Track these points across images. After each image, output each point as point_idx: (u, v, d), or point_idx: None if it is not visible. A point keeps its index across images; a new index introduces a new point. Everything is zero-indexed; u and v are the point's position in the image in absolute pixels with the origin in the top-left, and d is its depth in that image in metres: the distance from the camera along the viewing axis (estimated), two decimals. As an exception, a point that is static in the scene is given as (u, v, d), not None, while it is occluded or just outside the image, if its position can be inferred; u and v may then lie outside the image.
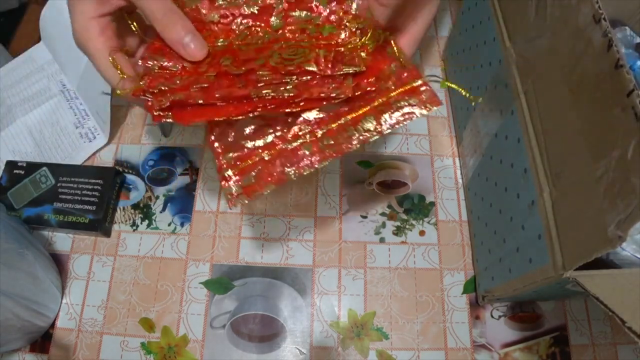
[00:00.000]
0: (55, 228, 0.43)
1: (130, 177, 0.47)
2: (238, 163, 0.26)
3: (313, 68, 0.25)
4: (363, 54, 0.26)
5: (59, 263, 0.42)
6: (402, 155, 0.48)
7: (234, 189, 0.25)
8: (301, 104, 0.25)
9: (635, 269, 0.24)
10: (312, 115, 0.26)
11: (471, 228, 0.43)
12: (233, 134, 0.26)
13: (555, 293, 0.35)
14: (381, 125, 0.25)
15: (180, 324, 0.40)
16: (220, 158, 0.26)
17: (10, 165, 0.45)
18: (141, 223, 0.45)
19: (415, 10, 0.27)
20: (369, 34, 0.27)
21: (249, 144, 0.26)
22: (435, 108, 0.26)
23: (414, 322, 0.40)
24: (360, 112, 0.26)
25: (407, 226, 0.44)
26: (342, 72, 0.25)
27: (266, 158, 0.26)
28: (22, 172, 0.44)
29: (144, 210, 0.45)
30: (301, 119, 0.26)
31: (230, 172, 0.26)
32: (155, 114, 0.25)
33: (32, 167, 0.45)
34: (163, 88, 0.25)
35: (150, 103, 0.25)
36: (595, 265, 0.23)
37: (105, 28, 0.26)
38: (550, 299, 0.41)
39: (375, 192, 0.46)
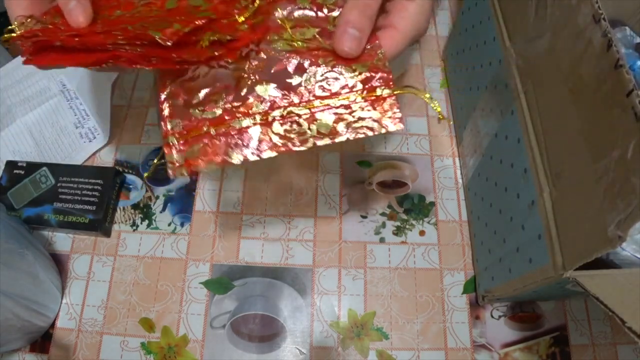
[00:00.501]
0: (55, 228, 0.43)
1: (130, 177, 0.47)
2: (185, 132, 0.25)
3: (157, 35, 0.24)
4: (245, 27, 0.26)
5: (59, 263, 0.42)
6: (402, 155, 0.47)
7: (176, 157, 0.24)
8: (153, 61, 0.24)
9: (635, 269, 0.24)
10: (266, 92, 0.25)
11: (471, 228, 0.43)
12: (185, 97, 0.25)
13: (555, 293, 0.35)
14: (337, 133, 0.25)
15: (180, 324, 0.40)
16: (167, 123, 0.25)
17: (10, 165, 0.45)
18: (141, 223, 0.45)
19: (401, 5, 0.27)
20: (251, 10, 0.26)
21: (197, 113, 0.25)
22: (399, 128, 0.25)
23: (414, 322, 0.40)
24: (321, 104, 0.25)
25: (407, 226, 0.44)
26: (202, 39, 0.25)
27: (212, 132, 0.25)
28: (22, 172, 0.44)
29: (144, 210, 0.45)
30: (255, 94, 0.25)
31: (174, 140, 0.25)
32: (24, 57, 0.25)
33: (32, 167, 0.45)
34: (38, 34, 0.25)
35: (23, 48, 0.25)
36: (595, 265, 0.23)
37: None
38: (550, 299, 0.41)
39: (375, 192, 0.46)
